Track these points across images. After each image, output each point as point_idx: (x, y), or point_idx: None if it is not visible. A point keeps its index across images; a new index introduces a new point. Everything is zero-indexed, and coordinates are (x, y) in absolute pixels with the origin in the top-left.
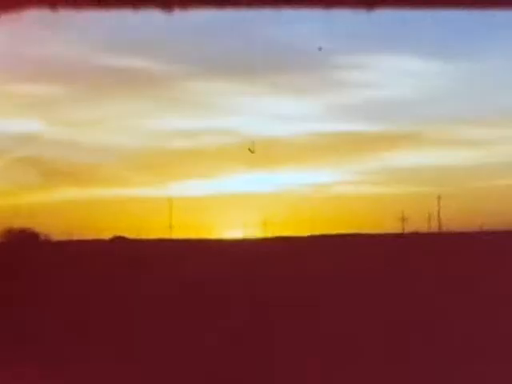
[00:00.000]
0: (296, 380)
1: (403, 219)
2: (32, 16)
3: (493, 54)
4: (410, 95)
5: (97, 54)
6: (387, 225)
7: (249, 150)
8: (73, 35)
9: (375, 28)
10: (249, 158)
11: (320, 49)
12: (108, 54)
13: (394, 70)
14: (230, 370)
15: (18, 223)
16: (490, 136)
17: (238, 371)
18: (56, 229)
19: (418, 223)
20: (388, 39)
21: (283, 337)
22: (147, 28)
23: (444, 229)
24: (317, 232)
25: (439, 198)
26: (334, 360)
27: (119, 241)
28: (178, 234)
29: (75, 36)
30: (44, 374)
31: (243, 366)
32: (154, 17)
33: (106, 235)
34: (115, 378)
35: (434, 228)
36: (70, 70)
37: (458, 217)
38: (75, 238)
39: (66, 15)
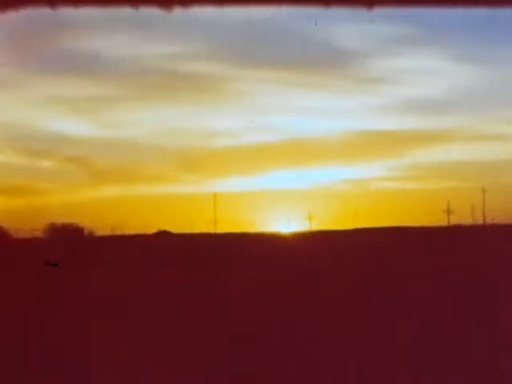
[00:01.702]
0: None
1: (449, 212)
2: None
3: None
4: (445, 94)
5: (140, 58)
6: (432, 218)
7: None
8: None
9: (410, 31)
10: (290, 154)
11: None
12: (150, 58)
13: (428, 71)
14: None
15: (65, 219)
16: None
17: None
18: (102, 224)
19: (463, 216)
20: (422, 42)
21: (329, 329)
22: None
23: (488, 221)
24: (363, 225)
25: (484, 190)
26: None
27: (163, 235)
28: (223, 228)
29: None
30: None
31: (295, 356)
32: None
33: (151, 231)
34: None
35: (479, 220)
36: (115, 73)
37: (501, 209)
38: (120, 233)
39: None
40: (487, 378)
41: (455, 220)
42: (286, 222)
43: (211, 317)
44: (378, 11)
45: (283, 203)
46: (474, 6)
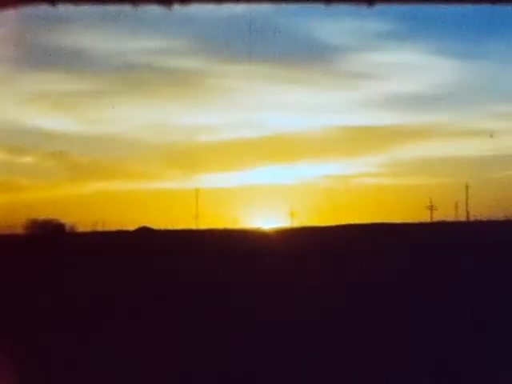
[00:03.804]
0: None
1: (431, 208)
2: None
3: (504, 50)
4: (428, 90)
5: (123, 54)
6: (415, 214)
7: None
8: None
9: (394, 26)
10: (272, 150)
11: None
12: (133, 53)
13: (411, 66)
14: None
15: (47, 215)
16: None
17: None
18: (84, 220)
19: (446, 212)
20: (406, 37)
21: (312, 326)
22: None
23: (471, 217)
24: (345, 221)
25: (467, 187)
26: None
27: (144, 231)
28: (205, 224)
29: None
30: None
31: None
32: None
33: (133, 227)
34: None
35: (462, 216)
36: (97, 69)
37: (484, 205)
38: (102, 228)
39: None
40: None
41: (438, 216)
42: (267, 218)
43: (194, 310)
44: (361, 7)
45: (266, 199)
46: (468, 3)
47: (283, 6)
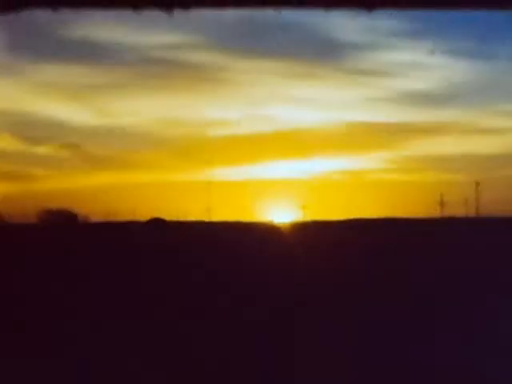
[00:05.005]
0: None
1: (442, 204)
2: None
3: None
4: (439, 88)
5: (138, 47)
6: (426, 209)
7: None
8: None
9: (406, 25)
10: (285, 144)
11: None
12: (149, 47)
13: (423, 65)
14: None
15: (60, 205)
16: None
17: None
18: (96, 211)
19: (456, 208)
20: (418, 36)
21: (320, 322)
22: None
23: (481, 214)
24: (357, 216)
25: (477, 184)
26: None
27: (156, 222)
28: (217, 217)
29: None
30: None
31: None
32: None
33: (145, 218)
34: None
35: (471, 213)
36: (113, 60)
37: (494, 203)
38: (114, 219)
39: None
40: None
41: (448, 212)
42: (280, 212)
43: (204, 301)
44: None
45: (278, 193)
46: (470, 9)
47: (283, 11)
